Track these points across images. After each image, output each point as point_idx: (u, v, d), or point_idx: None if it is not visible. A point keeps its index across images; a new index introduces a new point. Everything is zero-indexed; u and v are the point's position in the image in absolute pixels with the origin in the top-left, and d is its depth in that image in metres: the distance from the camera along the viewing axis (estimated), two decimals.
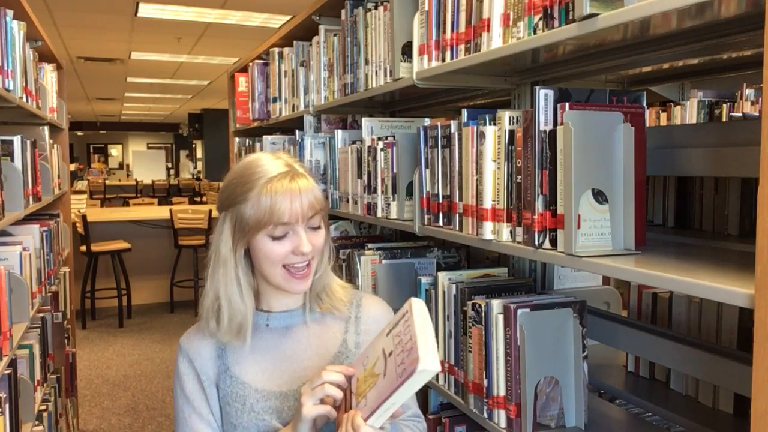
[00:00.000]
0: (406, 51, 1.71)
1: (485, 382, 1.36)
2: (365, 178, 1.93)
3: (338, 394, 1.02)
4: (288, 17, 5.57)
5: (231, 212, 1.15)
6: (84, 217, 5.86)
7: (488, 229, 1.32)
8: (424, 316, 0.98)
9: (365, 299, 1.31)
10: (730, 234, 1.38)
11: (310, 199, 1.12)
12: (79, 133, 20.89)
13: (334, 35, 2.21)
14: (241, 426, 1.15)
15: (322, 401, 1.02)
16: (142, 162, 19.59)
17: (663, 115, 4.19)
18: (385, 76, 1.81)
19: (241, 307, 1.16)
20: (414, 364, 0.90)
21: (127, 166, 21.97)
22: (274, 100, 3.00)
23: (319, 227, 1.16)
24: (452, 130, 1.44)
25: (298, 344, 1.21)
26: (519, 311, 1.27)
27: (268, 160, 1.16)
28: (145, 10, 5.88)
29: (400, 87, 1.73)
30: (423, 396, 1.78)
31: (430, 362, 0.90)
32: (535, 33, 1.16)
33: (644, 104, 1.29)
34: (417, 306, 0.99)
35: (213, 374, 1.19)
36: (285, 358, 1.20)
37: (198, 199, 12.80)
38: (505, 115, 1.25)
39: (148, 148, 22.32)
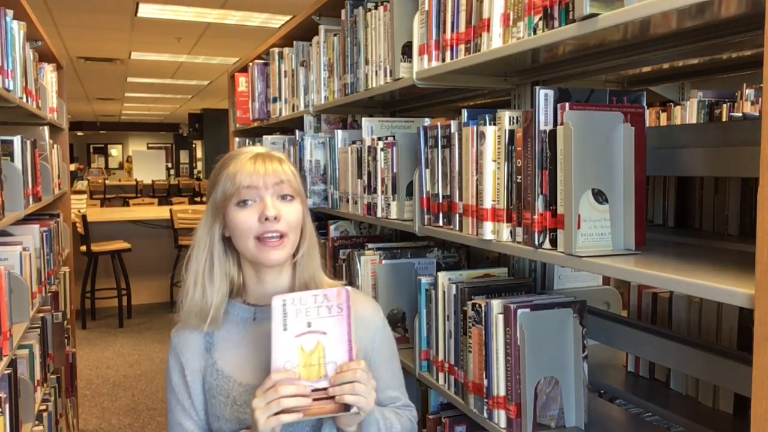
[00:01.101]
0: (406, 51, 1.71)
1: (485, 382, 1.36)
2: (365, 178, 1.93)
3: (297, 403, 1.02)
4: (288, 17, 5.57)
5: (210, 197, 1.20)
6: (84, 217, 5.86)
7: (488, 229, 1.32)
8: (295, 293, 1.08)
9: (353, 295, 1.24)
10: (730, 234, 1.38)
11: (277, 171, 1.16)
12: (79, 133, 20.89)
13: (334, 35, 2.21)
14: (224, 418, 1.17)
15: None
16: (142, 162, 19.59)
17: (663, 115, 4.19)
18: (385, 76, 1.81)
19: (208, 287, 1.18)
20: (341, 292, 1.07)
21: (128, 165, 21.97)
22: (274, 100, 3.00)
23: (291, 200, 1.17)
24: (452, 130, 1.44)
25: None
26: (519, 311, 1.27)
27: (249, 147, 1.22)
28: (145, 10, 5.88)
29: (400, 87, 1.73)
30: (423, 396, 1.78)
31: (344, 287, 1.08)
32: (535, 33, 1.16)
33: (644, 104, 1.29)
34: (278, 298, 1.06)
35: (199, 367, 1.21)
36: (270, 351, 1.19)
37: (198, 199, 12.78)
38: (505, 115, 1.25)
39: (148, 148, 22.32)
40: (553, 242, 1.15)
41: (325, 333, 1.06)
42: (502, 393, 1.32)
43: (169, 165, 21.65)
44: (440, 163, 1.51)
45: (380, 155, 1.83)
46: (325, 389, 1.05)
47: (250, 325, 1.22)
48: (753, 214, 1.07)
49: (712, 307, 1.41)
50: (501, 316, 1.31)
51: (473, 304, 1.39)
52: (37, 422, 2.16)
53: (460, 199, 1.43)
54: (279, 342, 1.05)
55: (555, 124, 1.15)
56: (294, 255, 1.22)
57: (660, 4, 0.88)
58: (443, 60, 1.48)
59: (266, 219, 1.12)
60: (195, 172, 20.14)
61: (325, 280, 1.26)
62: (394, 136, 1.80)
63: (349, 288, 1.08)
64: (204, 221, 1.21)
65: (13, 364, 1.87)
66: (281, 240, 1.15)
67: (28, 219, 2.57)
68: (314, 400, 1.04)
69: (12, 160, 2.21)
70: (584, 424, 1.31)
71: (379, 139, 1.86)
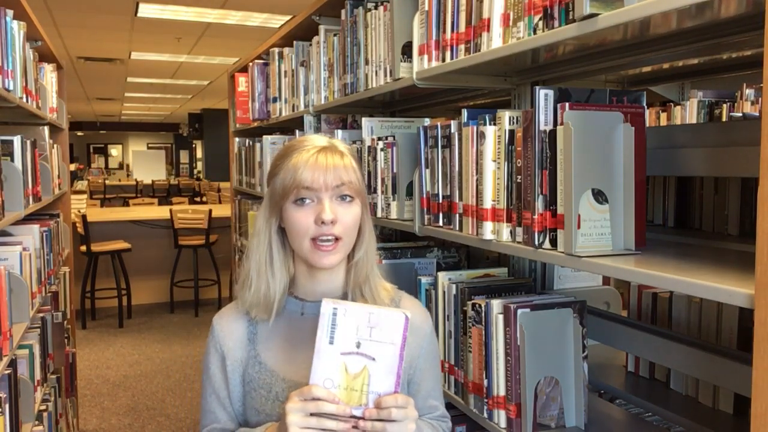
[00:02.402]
0: (406, 51, 1.71)
1: (485, 382, 1.36)
2: (365, 178, 1.93)
3: (336, 428, 0.97)
4: (288, 17, 5.57)
5: (270, 186, 1.17)
6: (84, 217, 5.86)
7: (488, 229, 1.32)
8: (348, 302, 1.02)
9: (405, 301, 1.26)
10: (730, 234, 1.38)
11: (339, 170, 1.11)
12: (79, 133, 20.89)
13: (334, 35, 2.21)
14: (264, 413, 1.14)
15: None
16: (142, 162, 19.60)
17: (663, 115, 4.19)
18: (385, 76, 1.81)
19: (270, 279, 1.16)
20: (400, 318, 0.97)
21: (127, 166, 21.99)
22: (274, 100, 3.00)
23: (350, 201, 1.13)
24: (452, 130, 1.44)
25: None
26: (519, 311, 1.27)
27: (314, 137, 1.17)
28: (145, 10, 5.88)
29: (400, 87, 1.73)
30: None
31: (403, 312, 0.98)
32: (535, 33, 1.16)
33: (644, 104, 1.29)
34: (329, 303, 1.00)
35: (241, 357, 1.18)
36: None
37: (198, 199, 12.79)
38: (505, 115, 1.25)
39: (148, 148, 22.33)
40: (553, 242, 1.15)
41: (374, 359, 0.98)
42: (502, 393, 1.32)
43: (169, 165, 21.67)
44: (440, 163, 1.51)
45: (380, 155, 1.83)
46: (361, 418, 0.98)
47: (297, 320, 1.19)
48: (753, 214, 1.08)
49: (712, 307, 1.41)
50: (501, 316, 1.31)
51: (473, 304, 1.39)
52: (37, 422, 2.16)
53: (460, 199, 1.43)
54: (323, 355, 0.98)
55: (555, 124, 1.15)
56: (351, 257, 1.18)
57: (660, 4, 0.88)
58: (443, 60, 1.48)
59: (323, 222, 1.09)
60: (195, 172, 20.15)
61: (380, 284, 1.21)
62: (394, 136, 1.80)
63: (409, 314, 0.99)
64: (263, 211, 1.18)
65: (13, 364, 1.87)
66: (336, 244, 1.11)
67: (28, 219, 2.57)
68: (353, 427, 0.97)
69: (12, 160, 2.20)
70: (584, 424, 1.31)
71: (379, 139, 1.86)
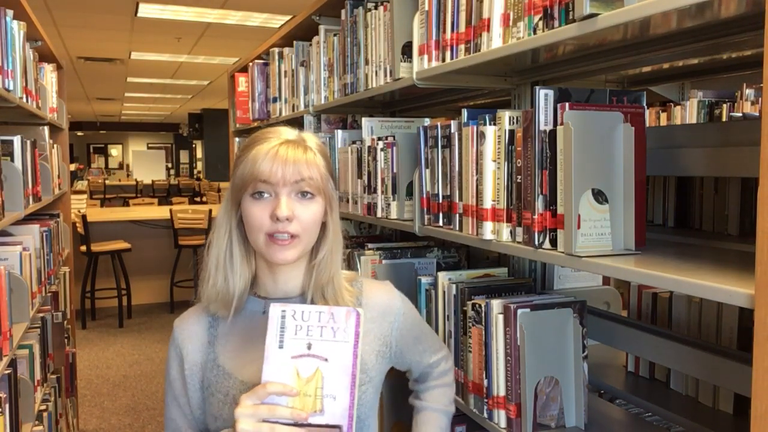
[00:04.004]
0: (406, 51, 1.71)
1: (485, 382, 1.36)
2: (365, 178, 1.93)
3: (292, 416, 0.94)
4: (288, 17, 5.57)
5: (232, 176, 1.12)
6: (84, 217, 5.86)
7: (488, 229, 1.32)
8: (296, 304, 0.99)
9: (366, 287, 1.22)
10: (730, 234, 1.38)
11: (300, 165, 1.05)
12: (79, 133, 20.89)
13: (334, 35, 2.21)
14: (221, 418, 1.09)
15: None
16: (142, 162, 19.60)
17: (663, 115, 4.19)
18: (385, 76, 1.81)
19: (229, 273, 1.11)
20: (351, 315, 0.95)
21: (127, 166, 21.99)
22: (274, 100, 3.00)
23: (310, 199, 1.08)
24: (452, 130, 1.44)
25: None
26: (519, 311, 1.27)
27: (283, 129, 1.12)
28: (145, 10, 5.88)
29: (400, 87, 1.73)
30: None
31: (353, 309, 0.96)
32: (535, 33, 1.16)
33: (644, 104, 1.29)
34: (277, 307, 0.97)
35: (200, 361, 1.13)
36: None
37: (198, 199, 12.79)
38: (505, 115, 1.25)
39: (148, 148, 22.33)
40: (553, 242, 1.15)
41: (326, 360, 0.94)
42: (502, 393, 1.32)
43: (169, 165, 21.67)
44: (440, 163, 1.51)
45: (380, 155, 1.83)
46: (318, 427, 0.93)
47: (258, 319, 1.12)
48: (753, 214, 1.07)
49: (712, 307, 1.41)
50: (501, 316, 1.31)
51: (473, 304, 1.39)
52: (37, 422, 2.16)
53: (460, 199, 1.43)
54: (273, 360, 0.94)
55: (555, 124, 1.15)
56: (313, 256, 1.14)
57: (660, 4, 0.88)
58: (443, 60, 1.48)
59: (277, 219, 1.04)
60: (195, 172, 20.15)
61: (342, 287, 1.16)
62: (394, 136, 1.80)
63: (360, 311, 0.97)
64: (224, 203, 1.13)
65: (13, 364, 1.87)
66: (291, 240, 1.06)
67: (28, 219, 2.57)
68: None
69: (12, 160, 2.21)
70: (584, 424, 1.31)
71: (379, 139, 1.86)
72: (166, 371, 1.18)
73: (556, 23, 1.11)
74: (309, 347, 0.95)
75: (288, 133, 1.11)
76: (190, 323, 1.17)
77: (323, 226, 1.13)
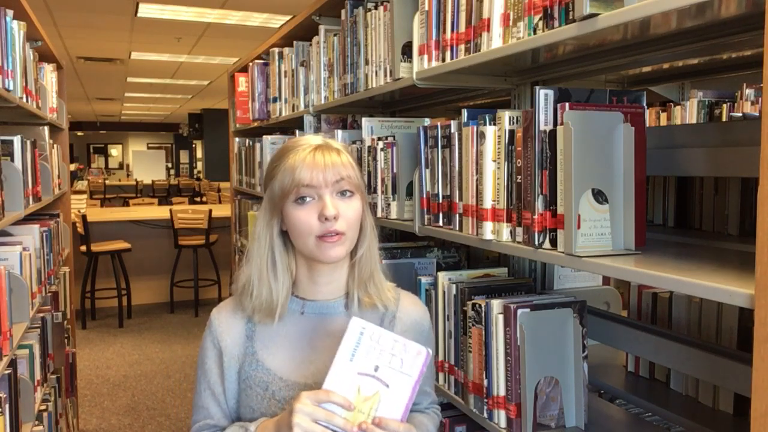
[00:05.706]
0: (406, 51, 1.71)
1: (485, 382, 1.36)
2: (365, 178, 1.93)
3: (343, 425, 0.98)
4: (288, 17, 5.57)
5: (267, 190, 1.17)
6: (84, 217, 5.85)
7: (488, 229, 1.32)
8: (376, 326, 1.03)
9: (404, 298, 1.26)
10: (730, 234, 1.38)
11: (337, 167, 1.11)
12: (79, 133, 20.89)
13: (334, 35, 2.21)
14: (259, 411, 1.13)
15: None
16: (142, 162, 19.60)
17: (663, 115, 4.18)
18: (385, 76, 1.81)
19: (273, 283, 1.15)
20: (422, 354, 0.99)
21: (127, 166, 22.00)
22: (274, 100, 3.00)
23: (350, 196, 1.13)
24: (452, 130, 1.44)
25: (331, 336, 1.15)
26: (519, 311, 1.27)
27: (308, 137, 1.18)
28: (145, 10, 5.88)
29: (400, 87, 1.73)
30: None
31: (426, 349, 1.00)
32: (535, 33, 1.16)
33: (644, 104, 1.29)
34: (359, 322, 1.01)
35: (238, 354, 1.17)
36: (315, 348, 1.16)
37: (198, 199, 12.79)
38: (505, 115, 1.25)
39: (148, 148, 22.33)
40: (553, 242, 1.15)
41: (387, 386, 0.98)
42: (502, 393, 1.32)
43: (169, 165, 21.67)
44: (440, 163, 1.51)
45: (380, 155, 1.83)
46: None
47: (297, 319, 1.18)
48: (753, 214, 1.07)
49: (712, 307, 1.41)
50: (501, 316, 1.31)
51: (473, 304, 1.39)
52: (37, 422, 2.16)
53: (460, 199, 1.43)
54: (339, 370, 0.98)
55: (555, 124, 1.15)
56: (353, 255, 1.18)
57: (660, 4, 0.88)
58: (443, 60, 1.48)
59: (326, 219, 1.08)
60: (195, 172, 20.16)
61: (383, 283, 1.22)
62: (394, 136, 1.80)
63: (430, 351, 1.01)
64: (262, 215, 1.17)
65: (13, 364, 1.87)
66: (339, 237, 1.10)
67: (28, 219, 2.57)
68: None
69: (12, 160, 2.20)
70: (584, 424, 1.31)
71: (379, 139, 1.86)
72: (200, 359, 1.21)
73: (556, 23, 1.11)
74: (376, 369, 0.99)
75: (314, 139, 1.17)
76: (229, 316, 1.20)
77: (361, 223, 1.18)
